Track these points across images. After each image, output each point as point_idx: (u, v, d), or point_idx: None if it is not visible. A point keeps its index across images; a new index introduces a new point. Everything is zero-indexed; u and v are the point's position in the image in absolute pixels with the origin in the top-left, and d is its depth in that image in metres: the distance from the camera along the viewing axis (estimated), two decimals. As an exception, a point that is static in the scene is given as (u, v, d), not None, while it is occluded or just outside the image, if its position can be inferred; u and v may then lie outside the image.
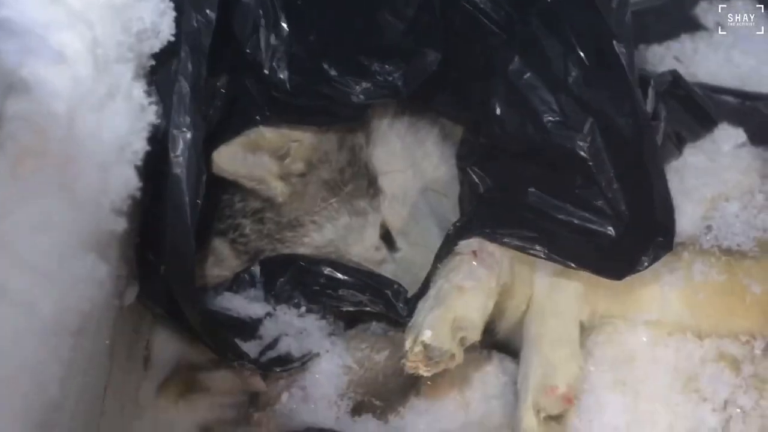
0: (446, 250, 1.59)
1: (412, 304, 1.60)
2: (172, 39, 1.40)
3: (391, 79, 1.59)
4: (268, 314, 1.68)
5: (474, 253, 1.55)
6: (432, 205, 1.78)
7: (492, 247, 1.56)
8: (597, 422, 1.60)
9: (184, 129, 1.43)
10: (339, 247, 1.74)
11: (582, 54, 1.54)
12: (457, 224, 1.60)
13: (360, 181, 1.75)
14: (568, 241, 1.54)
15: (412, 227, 1.77)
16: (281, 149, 1.71)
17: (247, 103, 1.67)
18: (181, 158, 1.42)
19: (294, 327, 1.69)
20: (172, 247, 1.45)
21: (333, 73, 1.58)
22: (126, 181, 1.25)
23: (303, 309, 1.69)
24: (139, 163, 1.29)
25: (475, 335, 1.51)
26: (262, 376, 1.67)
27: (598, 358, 1.65)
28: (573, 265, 1.53)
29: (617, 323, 1.68)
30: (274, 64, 1.56)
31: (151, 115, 1.32)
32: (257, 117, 1.67)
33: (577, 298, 1.65)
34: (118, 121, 1.22)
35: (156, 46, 1.35)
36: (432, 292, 1.54)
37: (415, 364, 1.47)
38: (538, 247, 1.53)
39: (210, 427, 1.67)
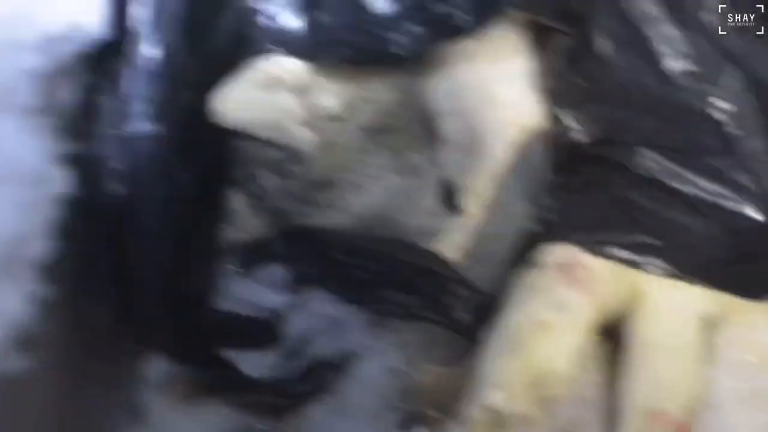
0: (524, 255, 1.17)
1: (480, 313, 1.22)
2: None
3: (453, 13, 1.17)
4: (293, 305, 1.32)
5: (564, 268, 1.14)
6: (511, 152, 1.34)
7: (590, 260, 1.14)
8: (721, 449, 1.24)
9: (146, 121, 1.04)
10: (385, 216, 1.34)
11: (730, -19, 1.12)
12: (542, 216, 1.18)
13: (413, 128, 1.33)
14: (696, 248, 1.14)
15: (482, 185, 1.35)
16: (306, 82, 1.30)
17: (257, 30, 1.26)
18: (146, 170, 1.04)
19: (326, 319, 1.32)
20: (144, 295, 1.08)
21: (372, 10, 1.16)
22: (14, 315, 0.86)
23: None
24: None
25: (561, 390, 1.12)
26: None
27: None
28: (703, 283, 1.14)
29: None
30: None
31: (55, 183, 0.89)
32: (270, 45, 1.26)
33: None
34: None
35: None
36: (503, 327, 1.14)
37: (478, 432, 1.11)
38: (656, 261, 1.12)
39: (225, 438, 1.35)
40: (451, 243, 1.34)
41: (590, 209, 1.15)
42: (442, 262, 1.31)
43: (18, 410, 1.00)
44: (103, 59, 1.10)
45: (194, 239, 1.29)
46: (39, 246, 0.89)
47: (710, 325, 1.27)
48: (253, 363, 1.31)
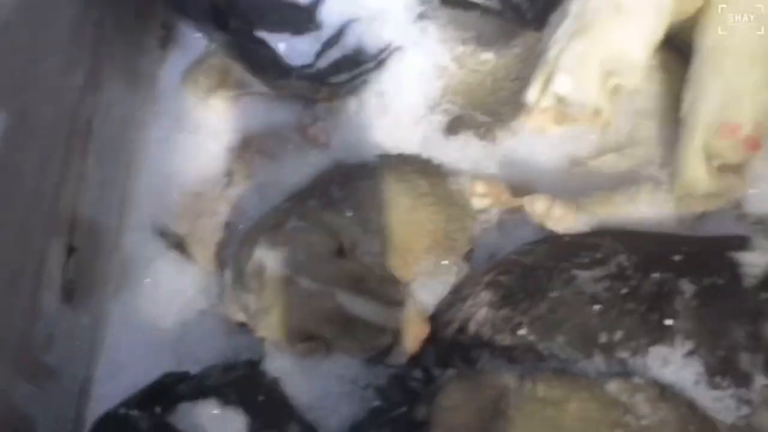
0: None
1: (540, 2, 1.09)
2: None
3: None
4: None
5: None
6: None
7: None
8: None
9: None
10: None
11: None
12: None
13: None
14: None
15: None
16: None
17: None
18: None
19: (366, 7, 1.19)
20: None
21: None
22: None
23: (380, -29, 1.19)
24: None
25: (633, 80, 1.00)
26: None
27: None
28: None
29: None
30: None
31: None
32: None
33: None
34: None
35: None
36: (573, 6, 1.00)
37: (540, 122, 1.00)
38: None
39: (251, 138, 1.23)
40: None
41: None
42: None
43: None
44: None
45: None
46: None
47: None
48: (290, 48, 1.18)
